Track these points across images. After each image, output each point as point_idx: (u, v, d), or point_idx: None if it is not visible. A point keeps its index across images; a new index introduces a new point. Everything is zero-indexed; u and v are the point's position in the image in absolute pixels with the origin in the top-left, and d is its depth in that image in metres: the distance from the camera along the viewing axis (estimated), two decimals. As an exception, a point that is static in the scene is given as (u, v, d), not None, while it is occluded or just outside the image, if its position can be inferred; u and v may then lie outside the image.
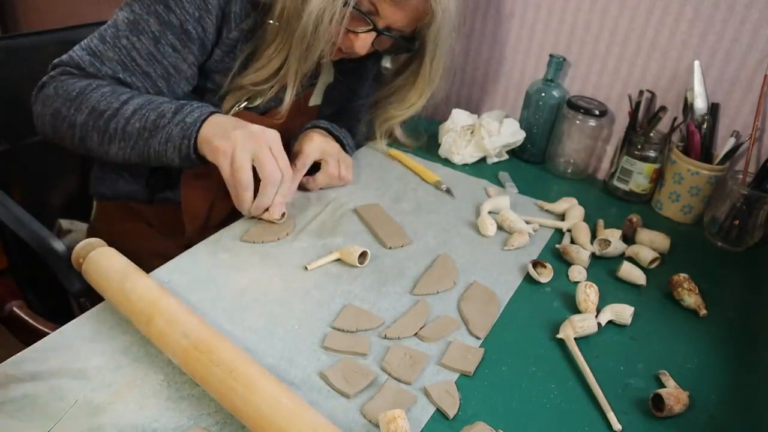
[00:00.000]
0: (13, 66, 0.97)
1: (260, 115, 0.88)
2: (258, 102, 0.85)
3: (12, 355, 0.55)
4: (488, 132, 1.02)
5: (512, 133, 1.04)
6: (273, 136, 0.72)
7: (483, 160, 1.06)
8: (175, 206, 0.89)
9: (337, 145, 0.90)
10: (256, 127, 0.72)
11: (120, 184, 0.91)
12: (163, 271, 0.69)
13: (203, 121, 0.72)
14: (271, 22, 0.79)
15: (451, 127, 1.06)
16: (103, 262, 0.62)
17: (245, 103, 0.85)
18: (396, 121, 0.99)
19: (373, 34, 0.80)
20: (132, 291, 0.58)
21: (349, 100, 1.03)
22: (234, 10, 0.78)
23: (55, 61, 0.79)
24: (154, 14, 0.76)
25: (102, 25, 0.79)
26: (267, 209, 0.74)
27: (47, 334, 0.58)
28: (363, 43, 0.81)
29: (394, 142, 1.04)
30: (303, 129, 0.93)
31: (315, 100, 0.96)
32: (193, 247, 0.73)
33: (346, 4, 0.75)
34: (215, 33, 0.79)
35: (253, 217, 0.78)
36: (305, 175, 0.86)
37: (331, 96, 0.98)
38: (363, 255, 0.73)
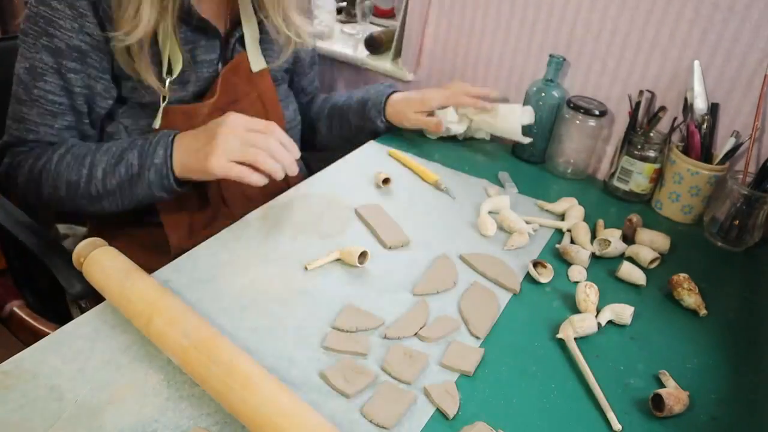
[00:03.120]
0: (12, 66, 0.96)
1: (194, 102, 0.84)
2: (181, 93, 0.82)
3: (12, 355, 0.55)
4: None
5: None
6: (231, 124, 0.71)
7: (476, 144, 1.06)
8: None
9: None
10: (212, 130, 0.71)
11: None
12: (163, 271, 0.69)
13: (170, 155, 0.73)
14: None
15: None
16: (104, 261, 0.62)
17: (167, 94, 0.80)
18: None
19: None
20: (132, 291, 0.58)
21: (297, 55, 0.99)
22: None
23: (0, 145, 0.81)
24: (43, 49, 0.73)
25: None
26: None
27: (47, 334, 0.58)
28: None
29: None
30: (377, 103, 1.03)
31: (256, 63, 0.90)
32: (194, 248, 0.73)
33: None
34: (102, 32, 0.74)
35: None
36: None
37: (272, 54, 0.92)
38: (363, 255, 0.73)
